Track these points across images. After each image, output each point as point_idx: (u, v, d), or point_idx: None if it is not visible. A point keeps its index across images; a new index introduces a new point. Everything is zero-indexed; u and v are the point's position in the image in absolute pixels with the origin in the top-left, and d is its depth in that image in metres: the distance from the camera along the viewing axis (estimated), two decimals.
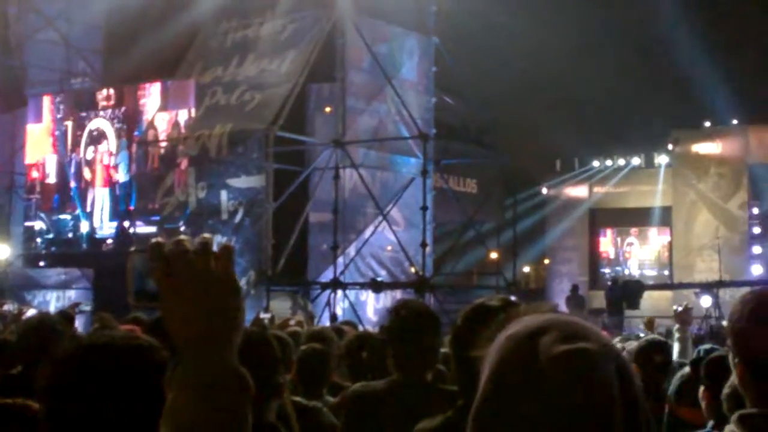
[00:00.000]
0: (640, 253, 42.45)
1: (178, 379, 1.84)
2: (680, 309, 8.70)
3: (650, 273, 41.04)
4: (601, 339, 1.71)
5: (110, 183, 29.78)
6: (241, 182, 26.13)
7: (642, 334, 12.11)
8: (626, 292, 28.94)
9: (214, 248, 1.91)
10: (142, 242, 25.01)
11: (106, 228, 29.74)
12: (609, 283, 33.34)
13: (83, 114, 30.26)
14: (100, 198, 29.75)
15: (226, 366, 1.84)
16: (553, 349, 1.65)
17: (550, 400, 1.60)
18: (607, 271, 41.60)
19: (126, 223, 29.14)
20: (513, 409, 1.63)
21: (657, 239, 42.23)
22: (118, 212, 29.44)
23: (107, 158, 29.73)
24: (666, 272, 40.35)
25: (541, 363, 1.65)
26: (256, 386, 1.88)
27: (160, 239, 1.93)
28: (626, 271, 41.19)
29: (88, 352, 2.53)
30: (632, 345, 7.88)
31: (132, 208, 28.82)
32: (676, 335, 8.48)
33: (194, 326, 1.85)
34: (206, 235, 1.95)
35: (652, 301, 32.45)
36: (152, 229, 26.70)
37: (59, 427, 2.47)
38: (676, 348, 8.32)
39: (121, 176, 29.63)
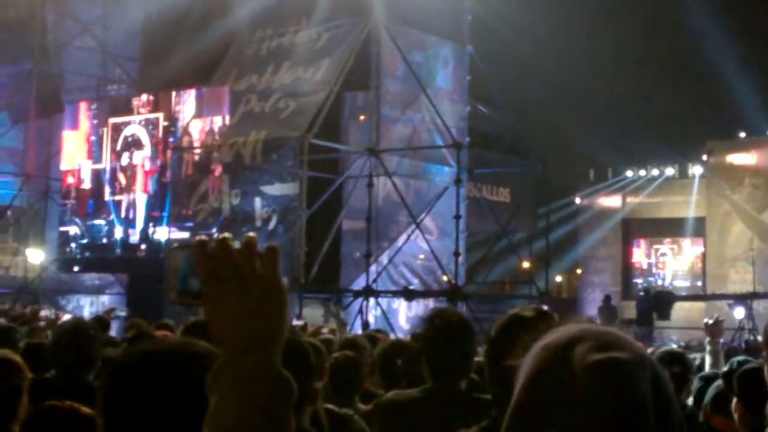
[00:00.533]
0: (673, 264, 42.22)
1: (220, 381, 1.83)
2: (711, 322, 8.67)
3: (683, 284, 40.79)
4: (635, 349, 1.72)
5: (147, 189, 29.86)
6: (275, 189, 26.19)
7: (674, 345, 12.06)
8: (657, 303, 28.79)
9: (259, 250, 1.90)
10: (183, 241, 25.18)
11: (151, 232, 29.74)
12: (641, 293, 33.17)
13: (119, 120, 30.36)
14: (141, 203, 29.79)
15: (270, 369, 1.84)
16: (587, 359, 1.66)
17: (584, 410, 1.62)
18: (639, 281, 41.38)
19: (151, 229, 29.27)
20: (547, 418, 1.65)
21: (690, 250, 41.98)
22: (151, 217, 29.54)
23: (148, 164, 29.79)
24: (699, 283, 40.09)
25: (575, 372, 1.66)
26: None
27: (204, 237, 1.92)
28: (659, 282, 40.96)
29: (148, 358, 2.51)
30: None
31: (155, 213, 28.96)
32: (708, 348, 8.45)
33: (238, 328, 1.85)
34: (251, 234, 1.93)
35: (684, 312, 32.30)
36: (185, 235, 26.79)
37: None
38: (708, 360, 8.30)
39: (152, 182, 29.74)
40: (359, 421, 5.59)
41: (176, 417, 2.38)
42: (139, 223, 29.78)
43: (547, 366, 1.71)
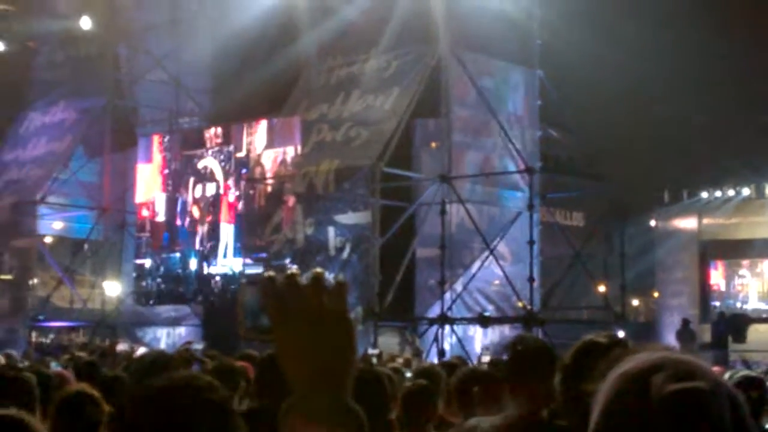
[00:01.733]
0: (752, 285, 41.71)
1: (293, 416, 1.81)
2: None
3: (763, 306, 40.26)
4: (712, 377, 1.70)
5: (234, 219, 29.99)
6: (348, 218, 26.28)
7: (753, 369, 11.89)
8: (732, 326, 28.48)
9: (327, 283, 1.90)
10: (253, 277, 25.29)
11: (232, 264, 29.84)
12: (716, 317, 32.85)
13: (191, 153, 30.63)
14: (225, 234, 29.95)
15: (340, 403, 1.82)
16: (664, 388, 1.64)
17: None
18: (717, 304, 40.90)
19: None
20: None
21: None
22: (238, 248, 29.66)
23: (232, 196, 29.98)
24: None
25: (653, 401, 1.64)
26: (370, 425, 1.87)
27: (272, 273, 1.91)
28: (739, 305, 40.46)
29: (147, 394, 2.60)
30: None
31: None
32: None
33: (307, 363, 1.84)
34: (318, 269, 1.91)
35: (763, 335, 31.89)
36: (259, 266, 26.92)
37: None
38: None
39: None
40: None
41: None
42: (221, 254, 29.91)
43: (625, 394, 1.69)
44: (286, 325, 1.86)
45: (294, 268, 1.92)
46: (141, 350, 20.01)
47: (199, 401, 2.52)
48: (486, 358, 19.01)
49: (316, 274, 1.88)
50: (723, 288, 42.01)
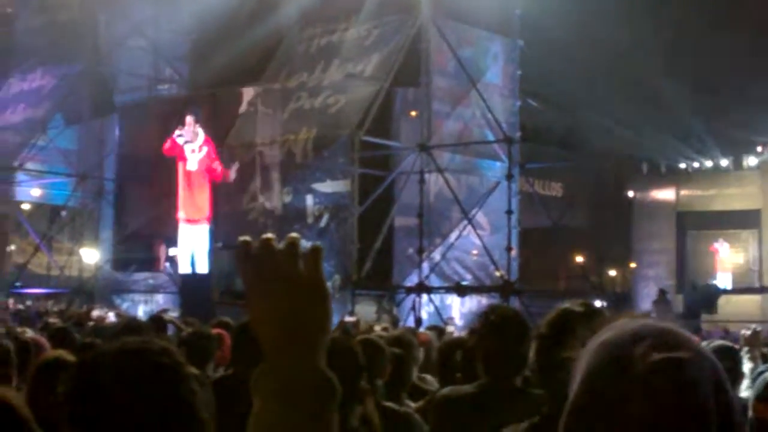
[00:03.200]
0: (728, 257, 41.89)
1: (264, 382, 1.81)
2: (749, 333, 8.92)
3: (739, 277, 40.47)
4: (695, 347, 1.71)
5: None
6: (326, 187, 26.27)
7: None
8: (703, 297, 28.63)
9: (302, 249, 1.88)
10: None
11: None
12: (690, 287, 33.04)
13: (174, 121, 30.32)
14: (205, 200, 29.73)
15: (313, 370, 1.81)
16: (647, 358, 1.64)
17: (645, 410, 1.60)
18: (694, 274, 41.10)
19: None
20: (607, 415, 1.63)
21: (745, 243, 41.64)
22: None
23: (215, 163, 29.73)
24: (755, 276, 39.78)
25: (636, 371, 1.64)
26: (341, 395, 1.86)
27: (247, 238, 1.89)
28: (717, 275, 40.67)
29: (98, 359, 2.58)
30: None
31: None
32: (746, 356, 8.54)
33: (281, 328, 1.82)
34: (294, 234, 1.90)
35: (739, 305, 32.09)
36: (235, 234, 26.86)
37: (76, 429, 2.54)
38: (747, 367, 8.36)
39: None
40: (418, 419, 5.57)
41: (126, 412, 2.45)
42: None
43: (607, 364, 1.69)
44: (260, 290, 1.85)
45: (269, 234, 1.91)
46: (111, 316, 20.02)
47: (151, 365, 2.51)
48: (450, 328, 19.07)
49: (290, 239, 1.87)
50: (699, 258, 42.13)
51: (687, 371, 1.65)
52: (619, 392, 1.64)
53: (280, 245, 1.86)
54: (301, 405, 1.78)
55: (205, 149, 27.87)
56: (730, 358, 6.75)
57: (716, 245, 41.18)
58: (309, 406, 1.79)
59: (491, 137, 26.95)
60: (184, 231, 28.41)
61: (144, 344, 2.61)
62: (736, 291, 34.93)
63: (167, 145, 28.02)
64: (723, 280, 38.96)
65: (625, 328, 1.74)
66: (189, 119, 28.27)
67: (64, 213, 32.31)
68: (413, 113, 27.48)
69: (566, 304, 3.73)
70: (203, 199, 28.22)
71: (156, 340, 2.68)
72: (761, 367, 7.63)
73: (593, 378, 1.69)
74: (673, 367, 1.65)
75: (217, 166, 27.52)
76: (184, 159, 28.17)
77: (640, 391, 1.62)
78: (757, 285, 37.31)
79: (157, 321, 11.61)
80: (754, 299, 34.08)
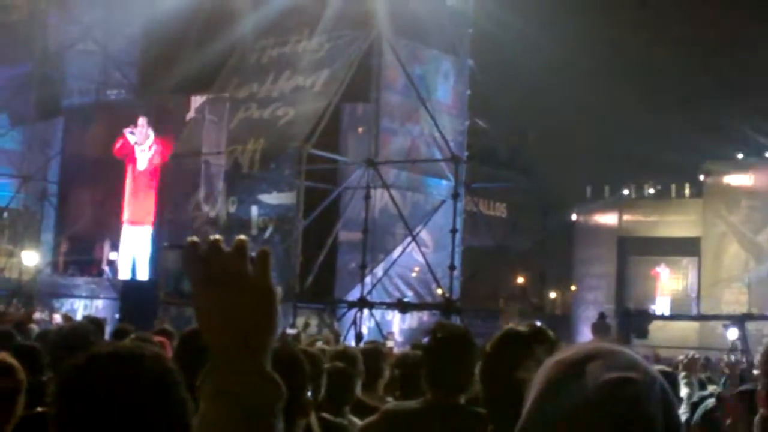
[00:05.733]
0: (667, 283, 42.21)
1: (210, 384, 1.82)
2: (686, 360, 9.17)
3: (677, 302, 40.79)
4: (646, 369, 1.74)
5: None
6: (272, 198, 26.24)
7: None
8: (635, 322, 28.82)
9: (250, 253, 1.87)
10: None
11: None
12: (623, 312, 33.27)
13: (129, 126, 30.06)
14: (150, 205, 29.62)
15: (259, 372, 1.82)
16: (600, 377, 1.68)
17: (596, 426, 1.63)
18: (634, 299, 41.36)
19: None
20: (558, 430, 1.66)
21: (685, 269, 42.00)
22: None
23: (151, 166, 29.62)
24: (693, 303, 40.13)
25: (587, 389, 1.68)
26: (285, 404, 1.86)
27: (195, 239, 1.89)
28: (656, 300, 40.95)
29: (90, 362, 2.56)
30: None
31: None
32: (683, 381, 8.69)
33: (228, 330, 1.82)
34: (242, 237, 1.88)
35: (676, 331, 32.36)
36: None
37: None
38: (684, 392, 8.50)
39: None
40: None
41: (119, 418, 2.42)
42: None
43: (560, 381, 1.72)
44: (208, 292, 1.84)
45: (217, 235, 1.91)
46: (57, 318, 19.87)
47: (142, 371, 2.50)
48: (390, 343, 19.09)
49: (239, 241, 1.86)
50: (639, 284, 42.41)
51: (638, 391, 1.69)
52: (572, 410, 1.67)
53: (229, 248, 1.87)
54: (246, 406, 1.79)
55: (154, 148, 27.95)
56: (668, 382, 6.86)
57: (658, 269, 41.51)
58: (254, 408, 1.79)
59: (439, 155, 27.02)
60: (127, 233, 28.36)
61: (136, 350, 2.61)
62: (669, 317, 35.20)
63: (118, 144, 27.99)
64: (662, 305, 39.27)
65: (579, 349, 1.78)
66: (141, 120, 28.28)
67: (5, 214, 31.96)
68: (361, 129, 27.51)
69: (511, 325, 3.77)
70: (149, 201, 28.24)
71: (147, 346, 2.67)
72: (701, 393, 7.75)
73: (547, 395, 1.72)
74: (625, 386, 1.69)
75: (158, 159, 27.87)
76: (133, 160, 28.16)
77: (592, 409, 1.65)
78: (694, 311, 37.63)
79: (96, 324, 11.51)
80: (691, 326, 34.38)
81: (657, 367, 7.79)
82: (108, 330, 12.48)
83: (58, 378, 2.59)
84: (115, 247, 29.43)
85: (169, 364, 2.55)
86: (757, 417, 4.01)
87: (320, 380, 5.50)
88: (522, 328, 3.70)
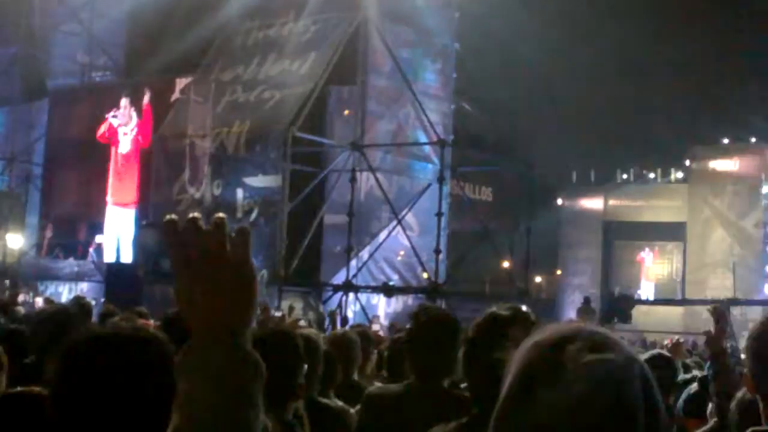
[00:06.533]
0: (652, 268, 42.34)
1: (189, 363, 1.80)
2: (670, 345, 9.20)
3: (662, 287, 40.92)
4: (625, 350, 1.73)
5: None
6: (257, 181, 26.17)
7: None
8: (619, 306, 28.87)
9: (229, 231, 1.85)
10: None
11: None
12: (607, 296, 33.40)
13: (111, 109, 29.99)
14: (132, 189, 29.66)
15: (239, 349, 1.80)
16: (579, 358, 1.67)
17: (576, 408, 1.62)
18: (618, 284, 41.46)
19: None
20: (537, 414, 1.65)
21: (671, 254, 42.13)
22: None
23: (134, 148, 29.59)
24: (678, 287, 40.27)
25: (567, 371, 1.66)
26: (278, 387, 1.84)
27: (174, 216, 1.87)
28: (641, 285, 41.08)
29: (95, 342, 2.55)
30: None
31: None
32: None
33: (207, 308, 1.81)
34: (220, 214, 1.86)
35: (661, 316, 32.44)
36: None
37: (66, 415, 2.50)
38: None
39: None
40: (353, 415, 5.57)
41: (119, 399, 2.43)
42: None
43: (539, 363, 1.71)
44: (187, 269, 1.83)
45: (196, 214, 1.90)
46: (40, 301, 19.82)
47: (142, 352, 2.49)
48: (375, 327, 19.11)
49: (217, 218, 1.84)
50: (624, 268, 42.55)
51: (618, 372, 1.68)
52: (550, 390, 1.66)
53: (208, 226, 1.85)
54: (226, 385, 1.77)
55: (136, 130, 27.98)
56: (664, 366, 6.83)
57: (642, 254, 41.63)
58: (234, 386, 1.77)
59: (424, 139, 27.01)
60: (111, 215, 28.37)
61: (136, 332, 2.60)
62: (653, 302, 35.31)
63: (101, 129, 27.95)
64: (646, 290, 39.41)
65: (557, 330, 1.77)
66: (124, 101, 28.27)
67: None
68: (347, 112, 27.47)
69: (494, 308, 3.75)
70: (132, 182, 28.27)
71: (147, 328, 2.66)
72: (683, 377, 7.74)
73: (525, 376, 1.70)
74: (605, 367, 1.67)
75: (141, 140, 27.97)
76: (116, 142, 28.18)
77: (572, 390, 1.64)
78: (679, 296, 37.76)
79: (81, 306, 11.48)
80: (676, 310, 34.47)
81: (655, 352, 7.81)
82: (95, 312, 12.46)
83: (60, 358, 2.57)
84: (99, 229, 29.43)
85: (169, 348, 2.54)
86: (737, 398, 4.02)
87: (317, 362, 5.49)
88: (504, 311, 3.69)
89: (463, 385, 4.62)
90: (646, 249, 42.32)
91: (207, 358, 1.79)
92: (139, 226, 26.74)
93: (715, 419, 5.10)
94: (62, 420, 2.51)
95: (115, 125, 28.23)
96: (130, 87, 29.65)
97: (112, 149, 28.57)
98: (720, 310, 5.89)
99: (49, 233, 31.14)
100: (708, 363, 5.76)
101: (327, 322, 20.79)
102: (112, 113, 28.29)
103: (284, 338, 4.46)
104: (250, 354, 1.82)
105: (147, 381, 2.45)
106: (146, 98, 28.89)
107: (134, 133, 28.60)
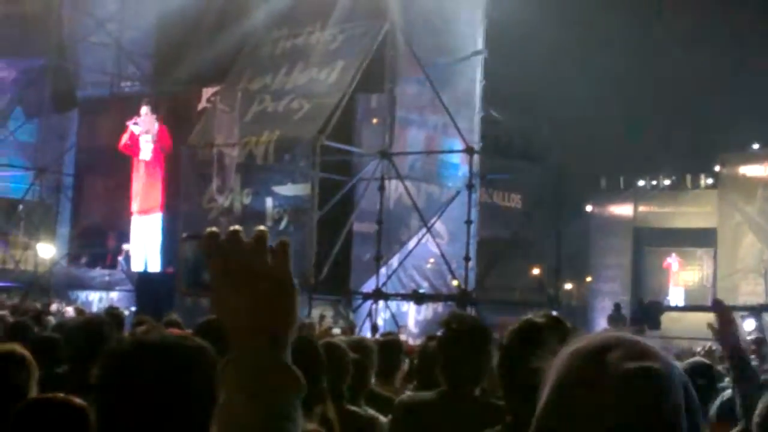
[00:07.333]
0: (683, 274, 42.17)
1: (229, 376, 1.81)
2: (703, 351, 9.14)
3: (693, 293, 40.74)
4: (665, 359, 1.73)
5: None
6: (286, 190, 26.20)
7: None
8: (648, 313, 28.76)
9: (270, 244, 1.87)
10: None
11: None
12: (637, 303, 33.25)
13: (133, 118, 30.17)
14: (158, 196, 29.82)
15: (279, 363, 1.81)
16: (620, 366, 1.66)
17: (617, 416, 1.62)
18: (648, 290, 41.29)
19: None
20: (577, 422, 1.64)
21: (701, 260, 41.95)
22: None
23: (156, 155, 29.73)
24: (708, 294, 40.04)
25: (607, 379, 1.66)
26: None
27: (215, 229, 1.89)
28: (670, 291, 40.92)
29: (138, 350, 2.55)
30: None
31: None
32: None
33: (248, 321, 1.82)
34: (262, 227, 1.89)
35: (693, 322, 32.28)
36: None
37: (109, 422, 2.50)
38: None
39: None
40: (383, 423, 5.57)
41: (161, 407, 2.44)
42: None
43: (579, 371, 1.70)
44: (228, 283, 1.83)
45: (237, 226, 1.90)
46: (70, 310, 19.89)
47: (186, 361, 2.49)
48: (403, 336, 19.11)
49: (259, 232, 1.87)
50: (654, 275, 42.39)
51: (659, 380, 1.67)
52: (592, 399, 1.65)
53: (249, 239, 1.86)
54: (266, 398, 1.78)
55: (157, 138, 28.23)
56: (704, 375, 6.81)
57: (669, 260, 41.46)
58: (274, 400, 1.78)
59: (453, 146, 26.98)
60: (136, 223, 28.52)
61: (182, 339, 2.61)
62: (682, 308, 35.15)
63: (124, 138, 28.18)
64: (676, 296, 39.22)
65: (596, 338, 1.76)
66: (145, 109, 28.47)
67: (21, 207, 32.02)
68: (375, 120, 27.48)
69: (529, 316, 3.75)
70: (156, 190, 28.44)
71: (192, 337, 2.67)
72: (720, 384, 7.69)
73: (565, 385, 1.70)
74: (646, 375, 1.67)
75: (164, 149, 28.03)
76: (138, 150, 28.36)
77: (613, 399, 1.63)
78: (708, 303, 37.53)
79: (113, 316, 11.52)
80: (707, 317, 34.29)
81: (694, 359, 7.77)
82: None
83: (103, 365, 2.58)
84: (126, 238, 29.59)
85: (213, 357, 2.54)
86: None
87: (344, 369, 5.49)
88: (539, 319, 3.69)
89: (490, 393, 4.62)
90: (673, 255, 42.13)
91: (247, 369, 1.81)
92: (176, 237, 26.80)
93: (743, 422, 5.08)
94: (106, 426, 2.51)
95: (137, 133, 28.40)
96: (153, 97, 29.85)
97: (135, 157, 28.77)
98: (721, 303, 5.85)
99: (78, 243, 31.29)
100: (728, 363, 5.74)
101: (357, 330, 20.82)
102: (133, 121, 28.50)
103: (305, 343, 4.47)
104: (290, 367, 1.83)
105: (192, 389, 2.46)
106: (160, 113, 29.14)
107: (156, 140, 28.75)
